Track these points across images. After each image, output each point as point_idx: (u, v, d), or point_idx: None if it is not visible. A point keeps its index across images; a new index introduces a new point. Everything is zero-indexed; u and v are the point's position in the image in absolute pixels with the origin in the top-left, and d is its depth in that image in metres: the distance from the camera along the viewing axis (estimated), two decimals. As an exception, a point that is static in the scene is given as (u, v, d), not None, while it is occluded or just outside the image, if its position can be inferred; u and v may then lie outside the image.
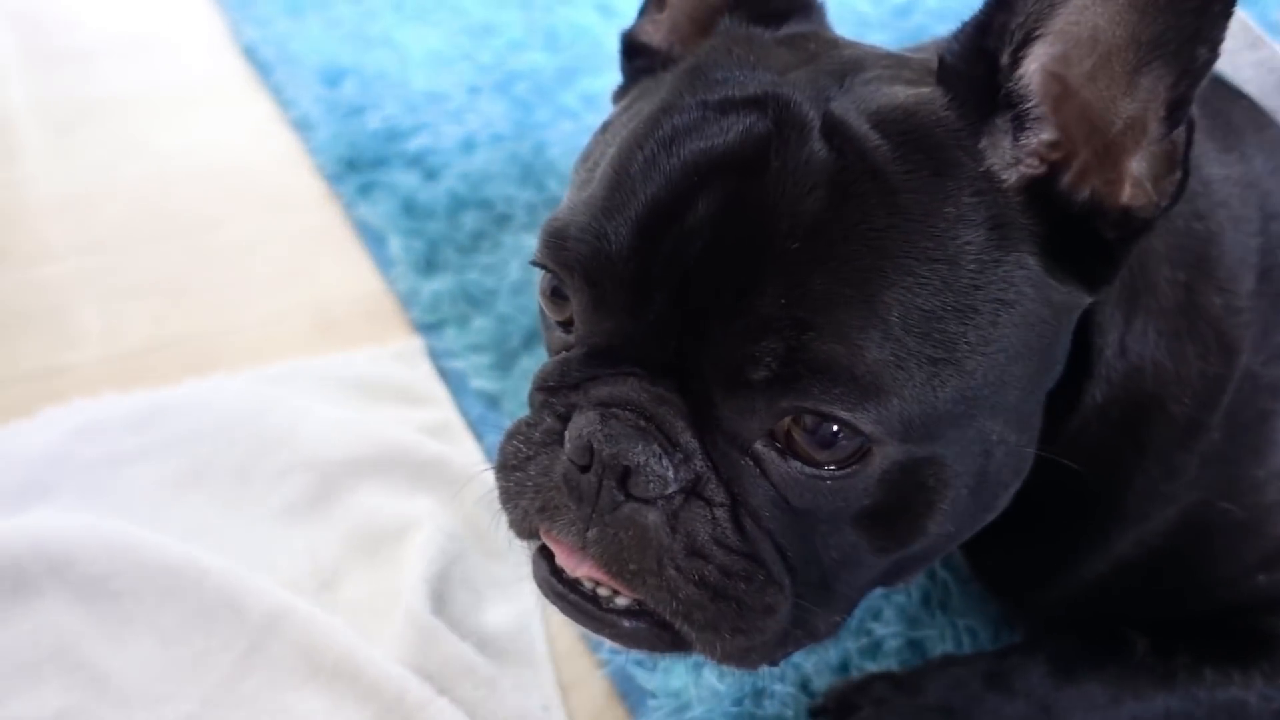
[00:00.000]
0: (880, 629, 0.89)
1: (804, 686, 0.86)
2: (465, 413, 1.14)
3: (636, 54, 0.77)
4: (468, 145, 1.58)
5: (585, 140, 0.74)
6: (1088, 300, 0.66)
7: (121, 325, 1.28)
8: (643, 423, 0.62)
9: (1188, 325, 0.74)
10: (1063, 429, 0.72)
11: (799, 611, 0.66)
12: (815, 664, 0.87)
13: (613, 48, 0.79)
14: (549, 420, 0.66)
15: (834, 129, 0.61)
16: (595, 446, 0.62)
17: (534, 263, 0.67)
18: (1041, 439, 0.71)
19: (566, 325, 0.67)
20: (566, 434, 0.64)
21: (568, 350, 0.67)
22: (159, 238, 1.44)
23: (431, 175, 1.52)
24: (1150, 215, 0.63)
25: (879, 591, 0.91)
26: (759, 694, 0.84)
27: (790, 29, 0.72)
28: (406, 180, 1.50)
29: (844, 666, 0.87)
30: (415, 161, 1.55)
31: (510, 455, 0.68)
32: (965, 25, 0.63)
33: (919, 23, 2.05)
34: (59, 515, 0.96)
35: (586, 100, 1.70)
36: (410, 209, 1.43)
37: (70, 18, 2.08)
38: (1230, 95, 0.85)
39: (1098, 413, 0.73)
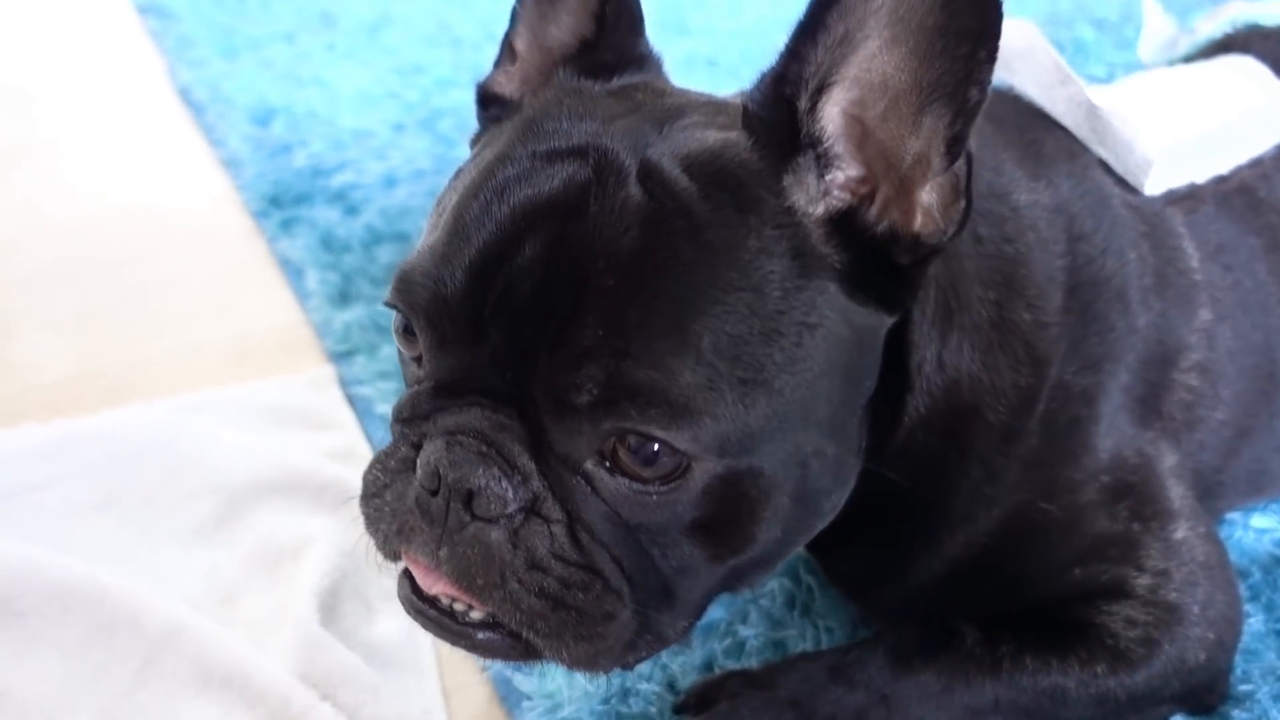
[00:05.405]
0: (745, 630, 0.95)
1: (670, 685, 0.91)
2: (370, 437, 1.19)
3: (490, 103, 0.83)
4: (389, 181, 1.65)
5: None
6: (888, 321, 0.72)
7: (43, 359, 1.32)
8: (484, 448, 0.67)
9: (1000, 340, 0.80)
10: (892, 440, 0.78)
11: (644, 619, 0.71)
12: (682, 664, 0.92)
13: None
14: (404, 449, 0.71)
15: (649, 174, 0.67)
16: (442, 472, 0.67)
17: (386, 304, 0.72)
18: (872, 450, 0.77)
19: (418, 360, 0.73)
20: (418, 461, 0.69)
21: (419, 384, 0.72)
22: (85, 275, 1.49)
23: (352, 211, 1.57)
24: (938, 241, 0.69)
25: (746, 595, 0.97)
26: (626, 693, 0.89)
27: (622, 80, 0.78)
28: (327, 216, 1.56)
29: (709, 666, 0.92)
30: (337, 197, 1.61)
31: (371, 483, 0.73)
32: (765, 74, 0.69)
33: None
34: (-33, 541, 1.00)
35: (507, 135, 1.76)
36: (328, 243, 1.49)
37: (5, 60, 2.13)
38: (1046, 126, 0.92)
39: (922, 423, 0.79)
